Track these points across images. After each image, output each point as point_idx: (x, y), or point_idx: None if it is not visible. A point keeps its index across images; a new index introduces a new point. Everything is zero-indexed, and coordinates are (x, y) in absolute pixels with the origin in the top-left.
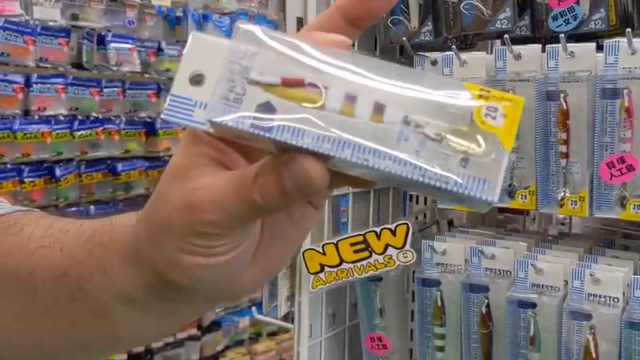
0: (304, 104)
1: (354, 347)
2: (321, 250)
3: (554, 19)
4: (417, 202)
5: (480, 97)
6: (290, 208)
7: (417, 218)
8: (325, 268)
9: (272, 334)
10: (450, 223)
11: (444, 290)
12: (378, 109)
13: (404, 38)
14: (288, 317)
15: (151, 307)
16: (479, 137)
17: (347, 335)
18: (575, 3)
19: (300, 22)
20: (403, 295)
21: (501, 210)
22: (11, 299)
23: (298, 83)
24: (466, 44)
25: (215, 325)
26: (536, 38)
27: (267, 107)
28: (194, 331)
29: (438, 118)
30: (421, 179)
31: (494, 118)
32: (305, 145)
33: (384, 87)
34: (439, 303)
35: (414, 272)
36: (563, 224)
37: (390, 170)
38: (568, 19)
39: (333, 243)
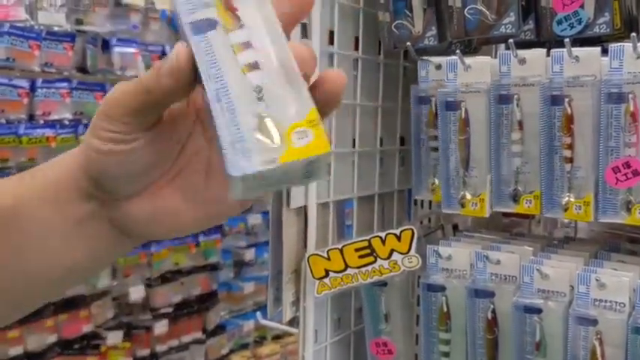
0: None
1: (359, 352)
2: (325, 256)
3: (559, 23)
4: (422, 207)
5: (310, 121)
6: (169, 97)
7: (421, 223)
8: (330, 273)
9: (277, 338)
10: (455, 228)
11: (449, 295)
12: (253, 66)
13: (408, 43)
14: (294, 322)
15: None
16: (281, 139)
17: (352, 340)
18: (580, 7)
19: (304, 27)
20: (408, 300)
21: (506, 214)
22: None
23: (232, 9)
24: (470, 48)
25: (220, 329)
26: (540, 42)
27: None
28: (199, 335)
29: (276, 104)
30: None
31: (298, 139)
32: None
33: (271, 51)
34: (444, 308)
35: (419, 277)
36: (568, 228)
37: (217, 120)
38: (572, 24)
39: (337, 248)
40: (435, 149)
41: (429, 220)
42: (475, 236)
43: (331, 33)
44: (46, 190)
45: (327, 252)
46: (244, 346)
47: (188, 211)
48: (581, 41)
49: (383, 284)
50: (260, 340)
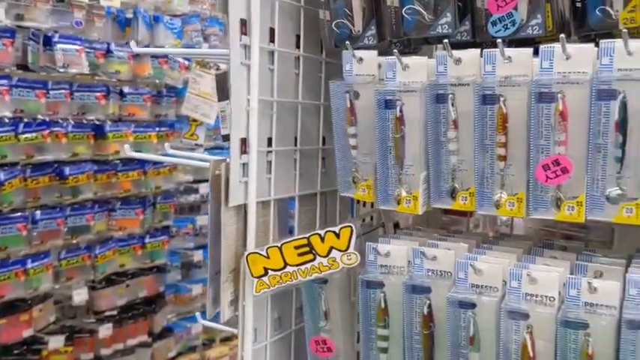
0: None
1: (300, 351)
2: (265, 254)
3: (494, 24)
4: (364, 205)
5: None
6: None
7: (364, 220)
8: (269, 271)
9: (225, 340)
10: (396, 226)
11: (388, 292)
12: None
13: (347, 42)
14: (236, 322)
15: None
16: None
17: (293, 339)
18: (514, 9)
19: (244, 24)
20: (349, 297)
21: (446, 212)
22: None
23: None
24: (410, 48)
25: (167, 332)
26: (477, 43)
27: None
28: (144, 338)
29: None
30: None
31: None
32: None
33: None
34: (382, 305)
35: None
36: (506, 225)
37: None
38: (507, 25)
39: (277, 246)
40: (355, 147)
41: (372, 218)
42: (414, 234)
43: (272, 30)
44: None
45: (267, 250)
46: (192, 349)
47: None
48: (517, 42)
49: (323, 282)
50: (209, 343)
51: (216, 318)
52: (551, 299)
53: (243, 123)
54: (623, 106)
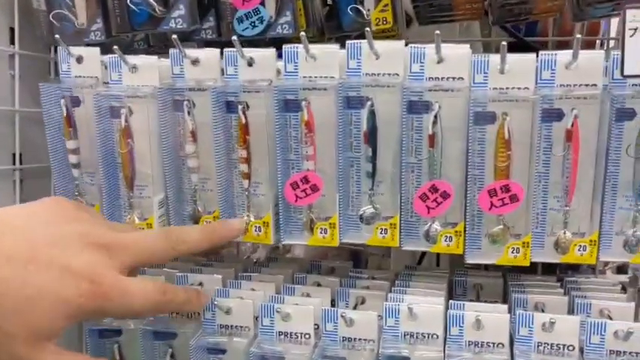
0: None
1: None
2: None
3: (240, 21)
4: None
5: None
6: None
7: None
8: None
9: None
10: None
11: (124, 340)
12: None
13: (57, 36)
14: None
15: None
16: None
17: None
18: (260, 4)
19: None
20: (82, 348)
21: None
22: None
23: None
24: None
25: None
26: (225, 43)
27: None
28: None
29: None
30: None
31: None
32: None
33: None
34: (117, 357)
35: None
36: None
37: None
38: (254, 22)
39: None
40: (76, 165)
41: None
42: (167, 265)
43: None
44: None
45: None
46: None
47: None
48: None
49: None
50: None
51: None
52: (307, 337)
53: None
54: (372, 115)
